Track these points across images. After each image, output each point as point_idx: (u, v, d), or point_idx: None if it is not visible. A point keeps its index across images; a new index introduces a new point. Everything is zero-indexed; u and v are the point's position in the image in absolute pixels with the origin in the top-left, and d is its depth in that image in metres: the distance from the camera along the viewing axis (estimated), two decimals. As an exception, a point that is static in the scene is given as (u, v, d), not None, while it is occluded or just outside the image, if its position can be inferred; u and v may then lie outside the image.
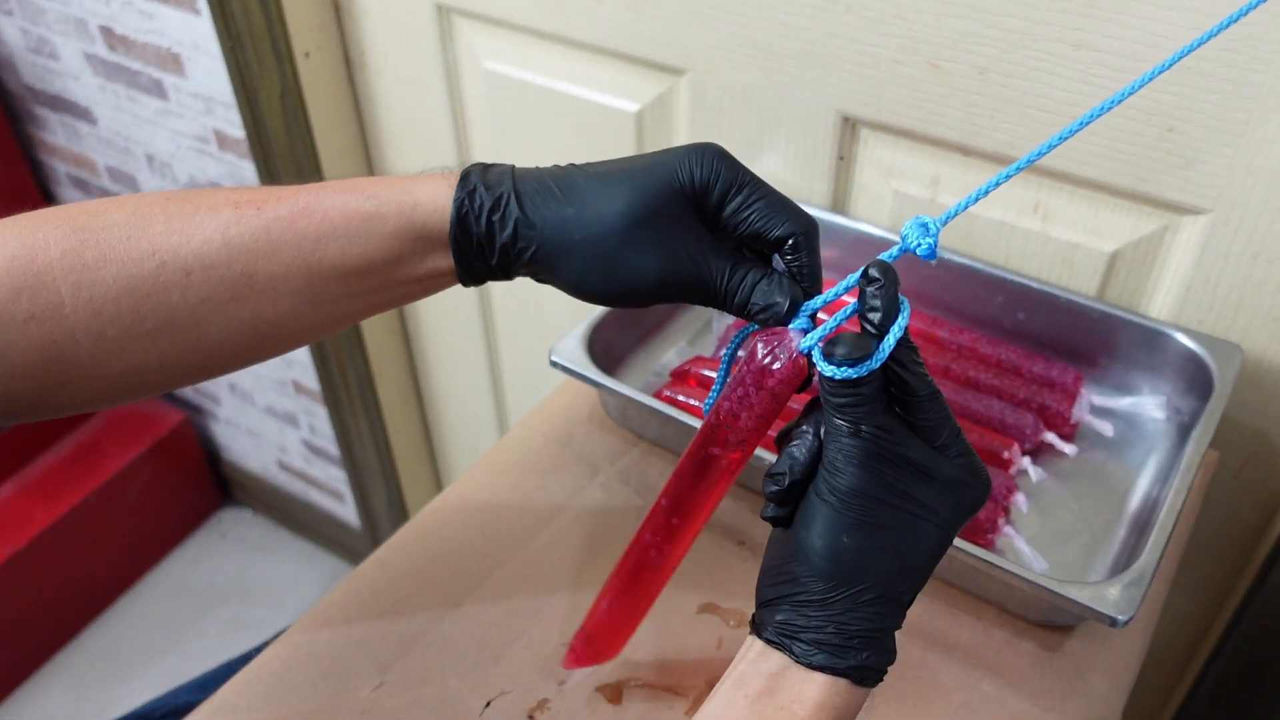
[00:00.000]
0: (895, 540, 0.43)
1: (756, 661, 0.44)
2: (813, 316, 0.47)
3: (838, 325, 0.45)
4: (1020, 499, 0.70)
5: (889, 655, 0.44)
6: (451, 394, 1.52)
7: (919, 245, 0.43)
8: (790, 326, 0.46)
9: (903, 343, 0.43)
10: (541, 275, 0.49)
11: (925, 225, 0.44)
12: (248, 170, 1.32)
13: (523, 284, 0.71)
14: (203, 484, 1.98)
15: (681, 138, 0.96)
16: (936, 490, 0.43)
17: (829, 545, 0.42)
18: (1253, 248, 0.72)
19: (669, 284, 0.47)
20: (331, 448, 1.67)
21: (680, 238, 0.46)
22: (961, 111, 0.78)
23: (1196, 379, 0.73)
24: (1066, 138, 0.44)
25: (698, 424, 0.67)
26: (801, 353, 0.45)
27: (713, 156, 0.47)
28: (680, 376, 0.78)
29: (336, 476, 1.74)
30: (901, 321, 0.42)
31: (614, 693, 0.62)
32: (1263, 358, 0.77)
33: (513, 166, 0.49)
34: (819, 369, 0.43)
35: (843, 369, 0.42)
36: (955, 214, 0.44)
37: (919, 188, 0.85)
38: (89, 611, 1.82)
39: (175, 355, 0.47)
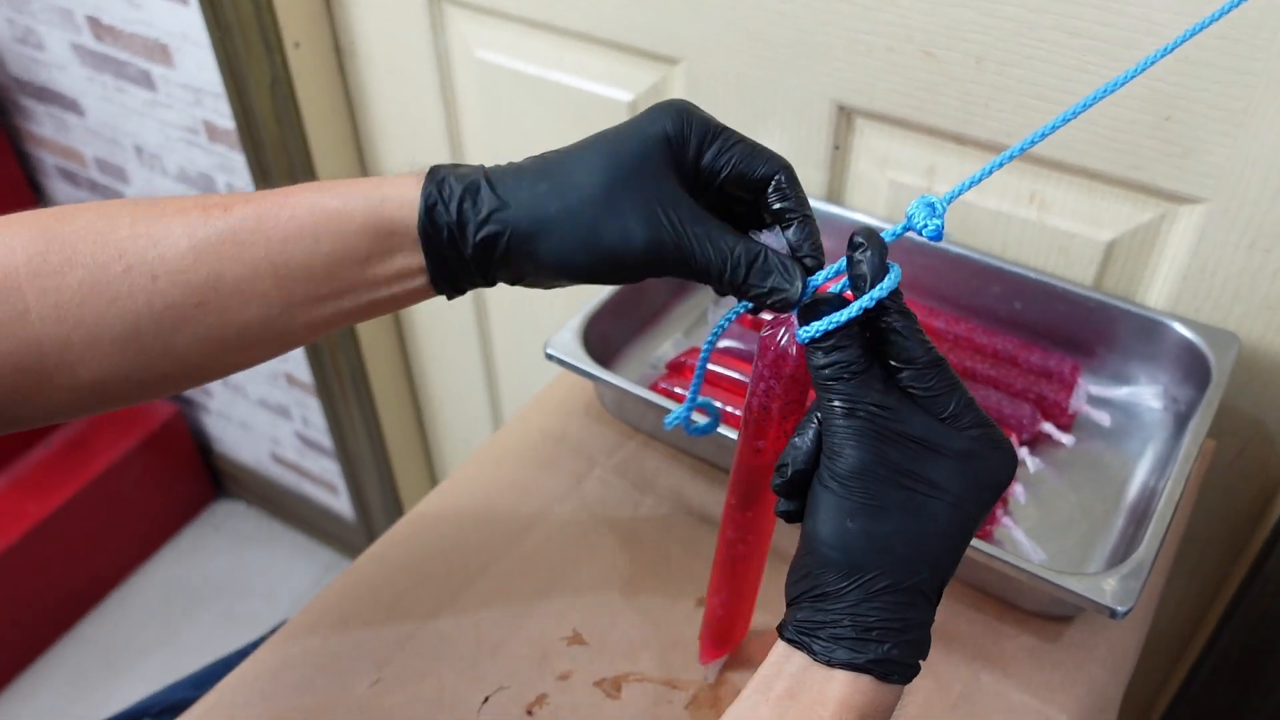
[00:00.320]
0: (905, 523, 0.41)
1: (779, 663, 0.42)
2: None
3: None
4: (1018, 490, 0.70)
5: (917, 650, 0.42)
6: (446, 386, 1.51)
7: (925, 226, 0.42)
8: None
9: (897, 309, 0.42)
10: (522, 266, 0.46)
11: (932, 205, 0.42)
12: (238, 161, 1.31)
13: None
14: (195, 477, 1.97)
15: (675, 127, 0.95)
16: (948, 467, 0.41)
17: (834, 533, 0.41)
18: (1250, 236, 0.72)
19: (653, 250, 0.44)
20: (325, 440, 1.67)
21: (661, 198, 0.45)
22: (957, 100, 0.78)
23: (1193, 368, 0.73)
24: (1070, 119, 0.43)
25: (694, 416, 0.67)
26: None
27: (682, 110, 0.46)
28: (676, 368, 0.78)
29: (330, 469, 1.73)
30: (888, 282, 0.41)
31: (613, 686, 0.62)
32: (1259, 346, 0.77)
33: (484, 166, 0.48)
34: (797, 335, 0.42)
35: (816, 325, 0.41)
36: (961, 191, 0.43)
37: (915, 177, 0.84)
38: (82, 606, 1.81)
39: (142, 364, 0.46)
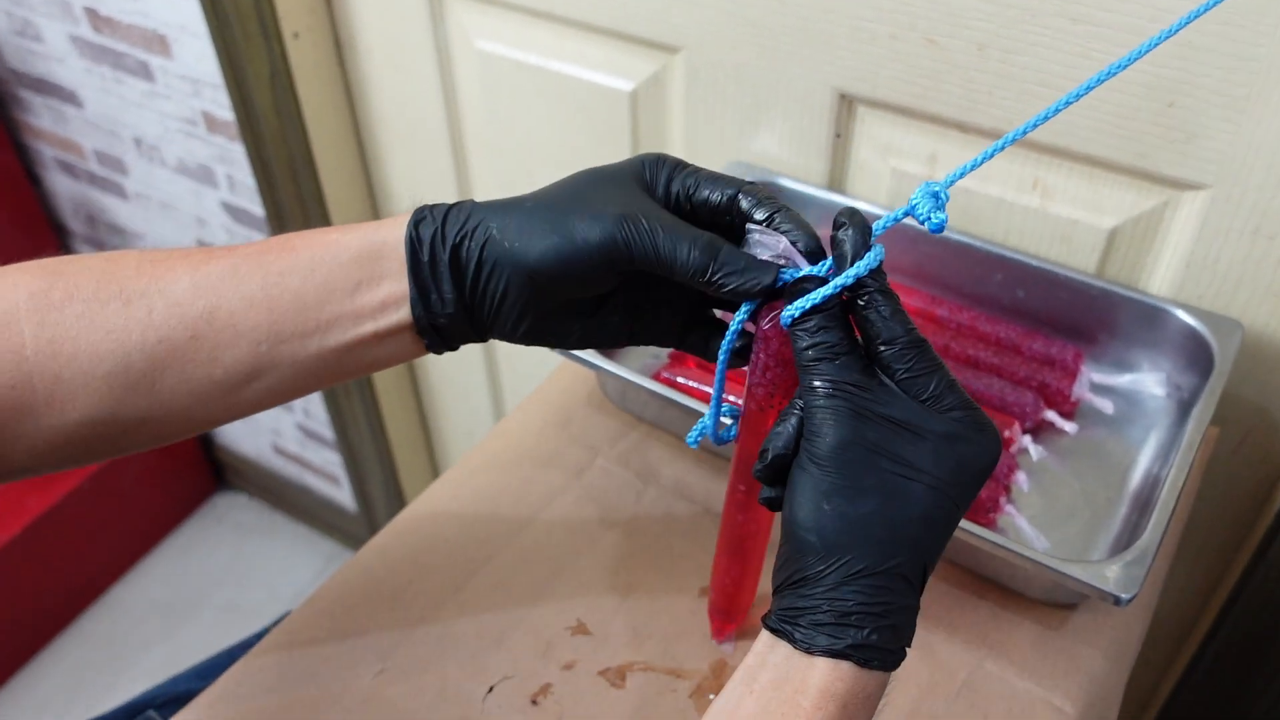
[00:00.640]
0: (882, 505, 0.40)
1: (763, 653, 0.42)
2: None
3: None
4: (1021, 477, 0.70)
5: (899, 635, 0.41)
6: (447, 377, 1.51)
7: (929, 219, 0.42)
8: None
9: (879, 288, 0.42)
10: (499, 266, 0.48)
11: (936, 195, 0.42)
12: (237, 152, 1.31)
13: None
14: (197, 469, 1.97)
15: (677, 116, 0.95)
16: (928, 448, 0.41)
17: (810, 515, 0.41)
18: (1253, 223, 0.72)
19: (620, 232, 0.45)
20: (326, 431, 1.67)
21: (631, 199, 0.47)
22: (960, 88, 0.77)
23: (1197, 356, 0.73)
24: (1071, 102, 0.43)
25: (697, 405, 0.67)
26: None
27: (657, 154, 0.50)
28: (679, 358, 0.78)
29: (332, 460, 1.73)
30: (867, 260, 0.42)
31: (617, 675, 0.62)
32: (1263, 333, 0.77)
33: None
34: (782, 315, 0.43)
35: (798, 304, 0.42)
36: (962, 174, 0.43)
37: (917, 165, 0.84)
38: (84, 598, 1.82)
39: (129, 403, 0.47)
